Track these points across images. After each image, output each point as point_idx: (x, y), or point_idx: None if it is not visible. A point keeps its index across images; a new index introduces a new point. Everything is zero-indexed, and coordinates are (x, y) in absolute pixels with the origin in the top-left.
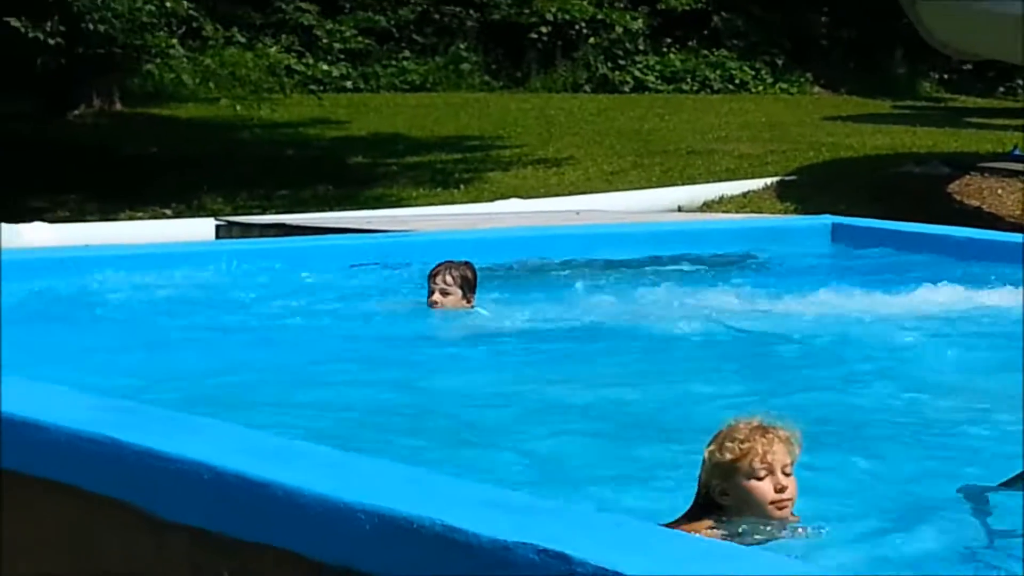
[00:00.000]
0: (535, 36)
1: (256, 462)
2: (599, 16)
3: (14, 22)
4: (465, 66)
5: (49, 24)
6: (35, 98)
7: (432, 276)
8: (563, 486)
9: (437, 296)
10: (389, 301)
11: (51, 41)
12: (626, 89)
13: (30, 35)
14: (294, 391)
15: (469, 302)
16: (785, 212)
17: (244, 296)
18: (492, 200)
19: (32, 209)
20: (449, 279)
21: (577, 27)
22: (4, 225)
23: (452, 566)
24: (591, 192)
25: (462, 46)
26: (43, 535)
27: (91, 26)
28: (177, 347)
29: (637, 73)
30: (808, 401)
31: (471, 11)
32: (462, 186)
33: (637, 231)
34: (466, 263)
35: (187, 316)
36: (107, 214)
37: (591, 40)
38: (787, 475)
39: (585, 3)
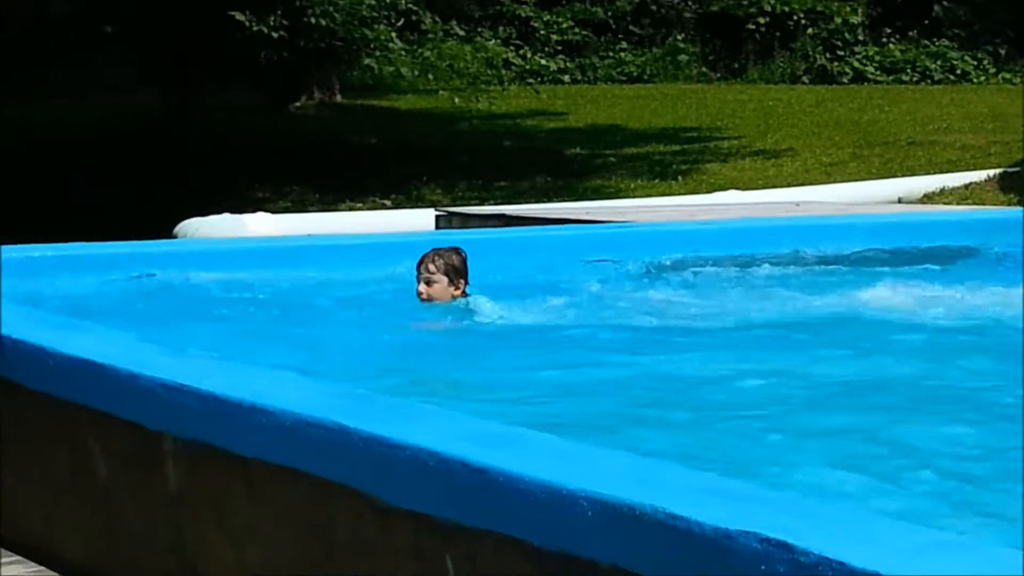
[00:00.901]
0: (753, 27)
1: (479, 448)
2: (817, 7)
3: (239, 16)
4: (683, 57)
5: (272, 18)
6: (258, 91)
7: (418, 265)
8: (790, 475)
9: (422, 287)
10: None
11: (274, 35)
12: (845, 80)
13: (254, 29)
14: (530, 376)
15: (458, 289)
16: (1008, 204)
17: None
18: (710, 192)
19: (255, 200)
20: (433, 267)
21: (795, 18)
22: (228, 215)
23: (673, 553)
24: (809, 184)
25: (679, 37)
26: (272, 520)
27: (313, 20)
28: (401, 336)
29: (856, 64)
30: None
31: (688, 2)
32: (680, 178)
33: (857, 223)
34: (454, 249)
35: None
36: (328, 205)
37: (809, 31)
38: None
39: None
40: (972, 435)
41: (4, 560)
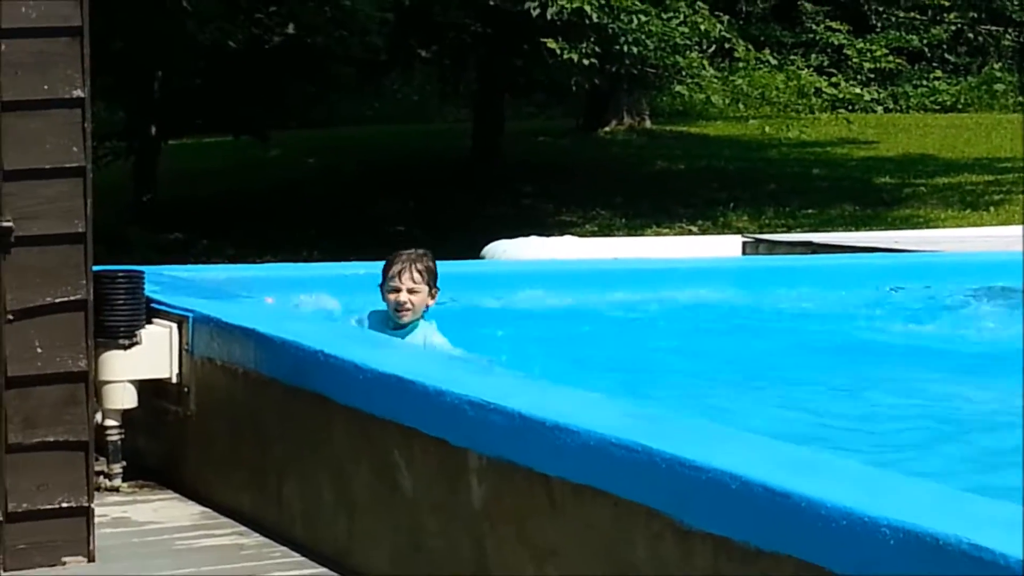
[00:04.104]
0: None
1: (781, 472)
2: None
3: (551, 44)
4: (999, 86)
5: (585, 45)
6: (568, 116)
7: (396, 274)
8: None
9: (405, 296)
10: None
11: (585, 62)
12: None
13: (565, 56)
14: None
15: (433, 298)
16: None
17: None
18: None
19: (563, 223)
20: (417, 276)
21: None
22: (535, 238)
23: None
24: None
25: (996, 65)
26: (573, 538)
27: (625, 47)
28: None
29: None
30: None
31: (1008, 30)
32: (992, 208)
33: None
34: (424, 251)
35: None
36: (634, 230)
37: None
38: None
39: None
40: None
41: (307, 571)
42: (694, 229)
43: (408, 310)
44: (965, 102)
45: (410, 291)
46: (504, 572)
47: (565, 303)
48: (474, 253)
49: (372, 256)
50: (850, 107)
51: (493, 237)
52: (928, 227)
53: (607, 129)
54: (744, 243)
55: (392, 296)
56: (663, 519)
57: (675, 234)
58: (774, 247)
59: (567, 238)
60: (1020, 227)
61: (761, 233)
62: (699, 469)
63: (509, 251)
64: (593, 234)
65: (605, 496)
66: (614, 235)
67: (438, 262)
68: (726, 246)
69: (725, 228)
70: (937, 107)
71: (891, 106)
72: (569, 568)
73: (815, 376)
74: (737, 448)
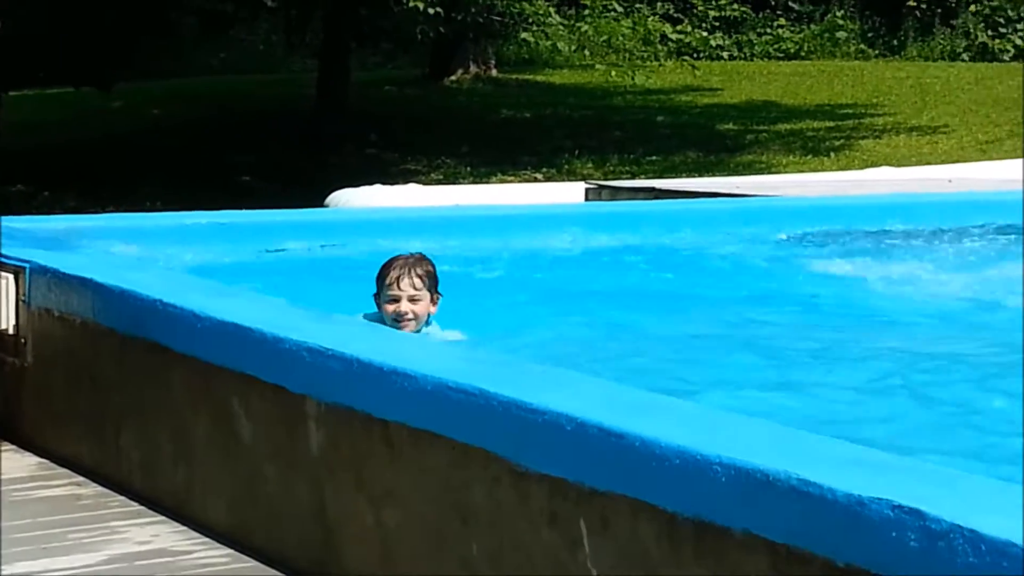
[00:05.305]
0: (913, 4)
1: (617, 414)
2: None
3: None
4: (841, 34)
5: None
6: (413, 64)
7: (394, 281)
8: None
9: (407, 306)
10: None
11: (431, 11)
12: (1006, 58)
13: (410, 4)
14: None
15: (434, 304)
16: None
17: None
18: (863, 168)
19: (408, 172)
20: (418, 282)
21: None
22: (379, 186)
23: (805, 520)
24: (964, 162)
25: (838, 14)
26: (411, 483)
27: None
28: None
29: (1018, 41)
30: None
31: None
32: (833, 154)
33: (1011, 199)
34: (421, 255)
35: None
36: (480, 178)
37: (971, 8)
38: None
39: None
40: None
41: (145, 520)
42: (539, 177)
43: (410, 320)
44: (808, 50)
45: (411, 299)
46: (342, 518)
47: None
48: (319, 203)
49: (216, 206)
50: (695, 54)
51: (339, 187)
52: (770, 173)
53: (453, 78)
54: (587, 190)
55: (391, 307)
56: (500, 462)
57: (520, 182)
58: (616, 193)
59: (411, 186)
60: (858, 172)
61: (605, 180)
62: (536, 412)
63: (353, 200)
64: (438, 182)
65: (443, 440)
66: (459, 183)
67: (282, 211)
68: (569, 193)
69: (570, 175)
70: (781, 55)
71: (736, 54)
72: (407, 513)
73: (652, 321)
74: (574, 391)
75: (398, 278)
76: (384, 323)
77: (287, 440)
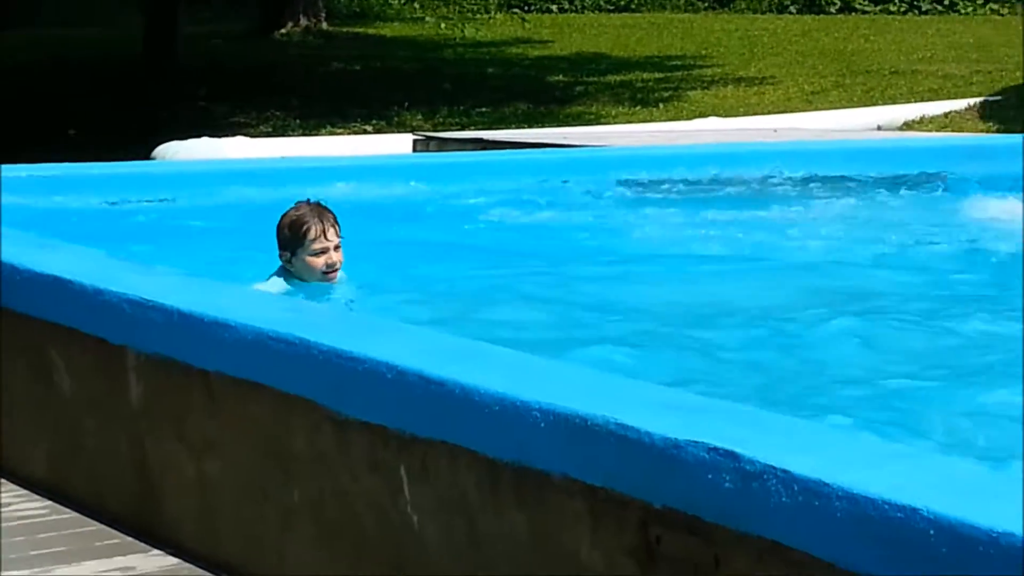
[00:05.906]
0: None
1: (436, 361)
2: None
3: None
4: None
5: None
6: (244, 18)
7: (321, 233)
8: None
9: (336, 254)
10: None
11: None
12: (832, 10)
13: None
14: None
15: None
16: (987, 132)
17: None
18: (691, 119)
19: (237, 125)
20: (338, 228)
21: None
22: (206, 139)
23: (623, 463)
24: (791, 112)
25: None
26: (232, 432)
27: None
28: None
29: None
30: None
31: None
32: (661, 105)
33: (832, 148)
34: (318, 203)
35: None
36: (309, 131)
37: None
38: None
39: None
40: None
41: None
42: (368, 129)
43: (338, 269)
44: (639, 2)
45: (336, 248)
46: (163, 469)
47: (229, 201)
48: (146, 156)
49: (41, 160)
50: (525, 7)
51: (166, 140)
52: (599, 123)
53: (283, 31)
54: (415, 141)
55: (321, 259)
56: (321, 410)
57: (349, 134)
58: (444, 144)
59: (238, 139)
60: (686, 123)
61: (435, 132)
62: (356, 360)
63: (180, 152)
64: (267, 135)
65: (264, 389)
66: (288, 136)
67: (108, 164)
68: (397, 144)
69: (400, 127)
70: (611, 7)
71: (566, 6)
72: (228, 462)
73: (477, 272)
74: (394, 339)
75: (323, 230)
76: (302, 279)
77: (107, 392)
